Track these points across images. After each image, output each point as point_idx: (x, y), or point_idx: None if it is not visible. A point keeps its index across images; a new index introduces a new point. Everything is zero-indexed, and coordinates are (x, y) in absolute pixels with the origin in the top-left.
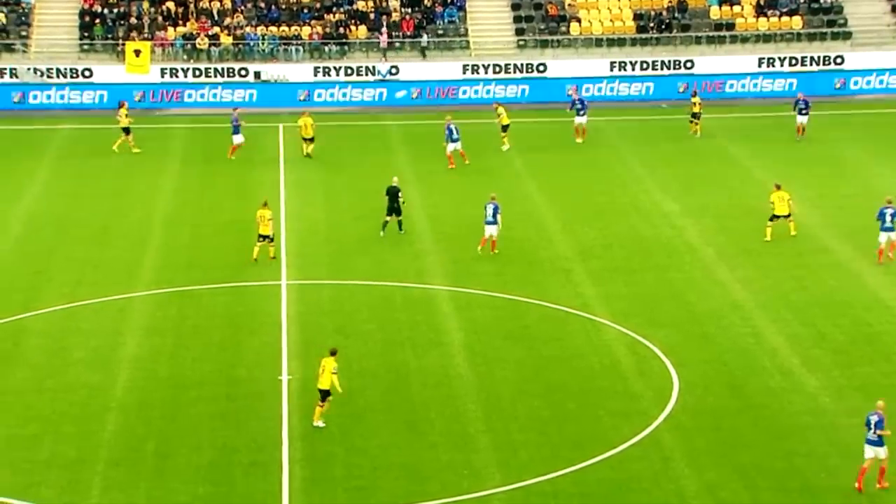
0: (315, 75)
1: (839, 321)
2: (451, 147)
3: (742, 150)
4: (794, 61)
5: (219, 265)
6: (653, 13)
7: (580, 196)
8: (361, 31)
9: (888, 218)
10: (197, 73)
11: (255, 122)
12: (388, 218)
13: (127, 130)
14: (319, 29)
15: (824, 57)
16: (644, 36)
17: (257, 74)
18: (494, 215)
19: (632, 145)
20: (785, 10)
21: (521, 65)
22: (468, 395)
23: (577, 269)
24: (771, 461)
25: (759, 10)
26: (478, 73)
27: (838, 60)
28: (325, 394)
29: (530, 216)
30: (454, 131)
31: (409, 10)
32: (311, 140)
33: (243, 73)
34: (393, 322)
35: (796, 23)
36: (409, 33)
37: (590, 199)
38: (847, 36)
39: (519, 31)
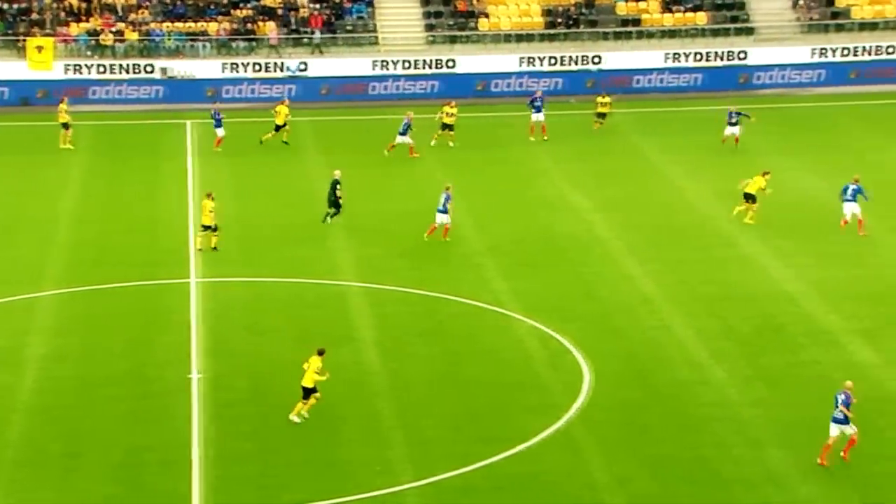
0: (223, 71)
1: (745, 313)
2: (399, 140)
3: (650, 145)
4: (699, 56)
5: (127, 263)
6: (561, 9)
7: (491, 192)
8: (270, 26)
9: (849, 192)
10: (102, 69)
11: (162, 119)
12: (329, 210)
13: (66, 126)
14: (227, 25)
15: (728, 52)
16: (552, 31)
17: (163, 71)
18: (445, 204)
19: (540, 140)
20: (690, 5)
21: (431, 60)
22: (381, 391)
23: (489, 265)
24: (679, 452)
25: (665, 6)
26: (387, 68)
27: (742, 56)
28: (307, 391)
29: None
30: (409, 127)
31: (318, 7)
32: (281, 127)
33: (149, 69)
34: (305, 319)
35: (701, 18)
36: (317, 29)
37: (501, 195)
38: (750, 31)
39: (428, 27)
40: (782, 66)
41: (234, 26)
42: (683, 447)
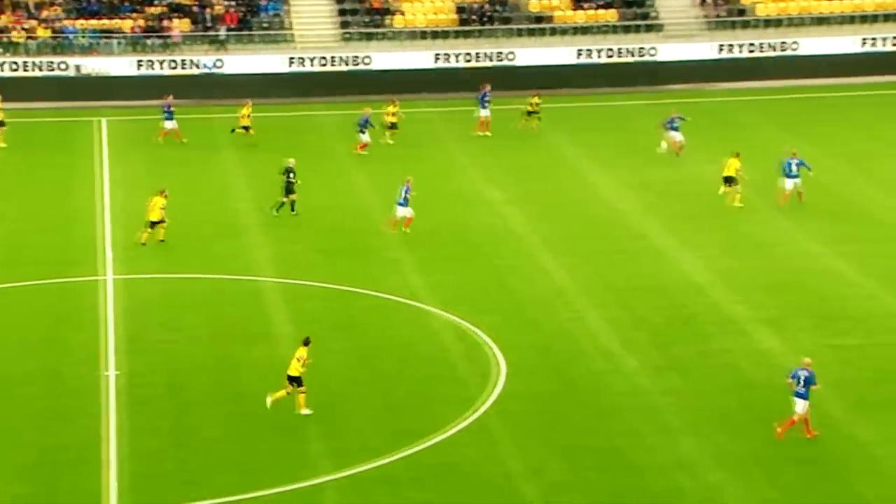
0: (137, 69)
1: (656, 304)
2: (363, 138)
3: (563, 140)
4: (609, 52)
5: (41, 261)
6: (474, 6)
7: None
8: (184, 23)
9: (793, 167)
10: (14, 66)
11: (75, 117)
12: (283, 199)
13: (1, 123)
14: (141, 22)
15: (638, 48)
16: (466, 28)
17: (77, 68)
18: (405, 196)
19: (456, 135)
20: (600, 3)
21: (346, 57)
22: None
23: (406, 259)
24: (593, 441)
25: (576, 3)
26: (302, 65)
27: (651, 52)
28: (293, 380)
29: (359, 207)
30: (367, 123)
31: (232, 4)
32: (247, 129)
33: (63, 66)
34: (221, 315)
35: (611, 15)
36: (223, 26)
37: (416, 190)
38: (658, 28)
39: (343, 24)
40: (689, 62)
41: (148, 23)
42: (597, 436)
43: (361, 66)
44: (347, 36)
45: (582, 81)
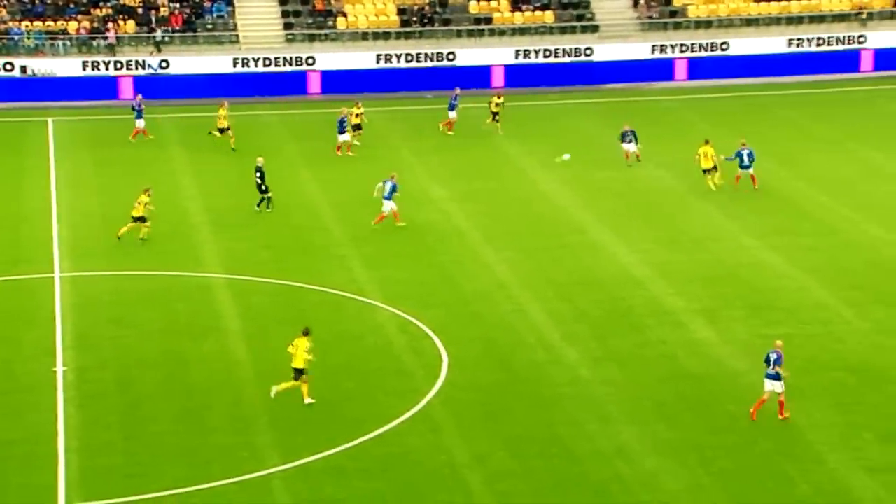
0: (83, 69)
1: (595, 297)
2: (340, 138)
3: (505, 138)
4: (547, 53)
5: None
6: (415, 8)
7: (353, 184)
8: (130, 25)
9: (745, 158)
10: None
11: (23, 117)
12: (262, 196)
13: None
14: (87, 23)
15: (575, 49)
16: (408, 30)
17: (23, 69)
18: (390, 192)
19: (400, 134)
20: (538, 4)
21: (291, 58)
22: (246, 379)
23: (352, 255)
24: (535, 430)
25: (515, 5)
26: (248, 66)
27: (587, 52)
28: (299, 372)
29: (306, 204)
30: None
31: (178, 5)
32: (224, 130)
33: (8, 67)
34: (170, 311)
35: (548, 17)
36: (160, 28)
37: (362, 187)
38: (595, 29)
39: (287, 26)
40: (624, 62)
41: (94, 25)
42: (539, 425)
43: (305, 67)
44: (291, 37)
45: (521, 81)
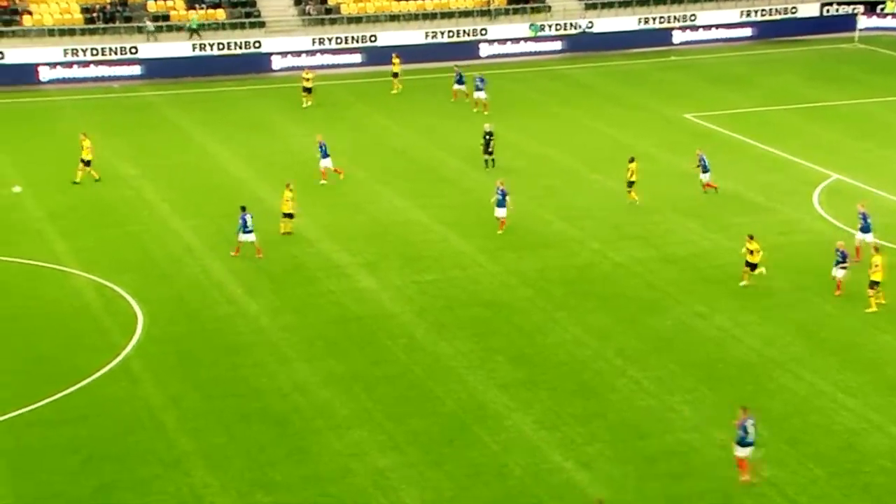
0: None
1: (272, 255)
2: (323, 163)
3: (186, 120)
4: (221, 46)
5: None
6: (98, 6)
7: (45, 164)
8: None
9: (705, 162)
10: None
11: None
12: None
13: None
14: None
15: (245, 42)
16: (92, 26)
17: None
18: (325, 150)
19: (91, 118)
20: (210, 3)
21: None
22: None
23: (48, 229)
24: (224, 373)
25: (190, 3)
26: None
27: (256, 45)
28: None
29: (3, 185)
30: (324, 149)
31: None
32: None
33: None
34: None
35: (221, 14)
36: None
37: (55, 167)
38: (262, 24)
39: None
40: (290, 52)
41: None
42: (226, 369)
43: None
44: None
45: (199, 70)
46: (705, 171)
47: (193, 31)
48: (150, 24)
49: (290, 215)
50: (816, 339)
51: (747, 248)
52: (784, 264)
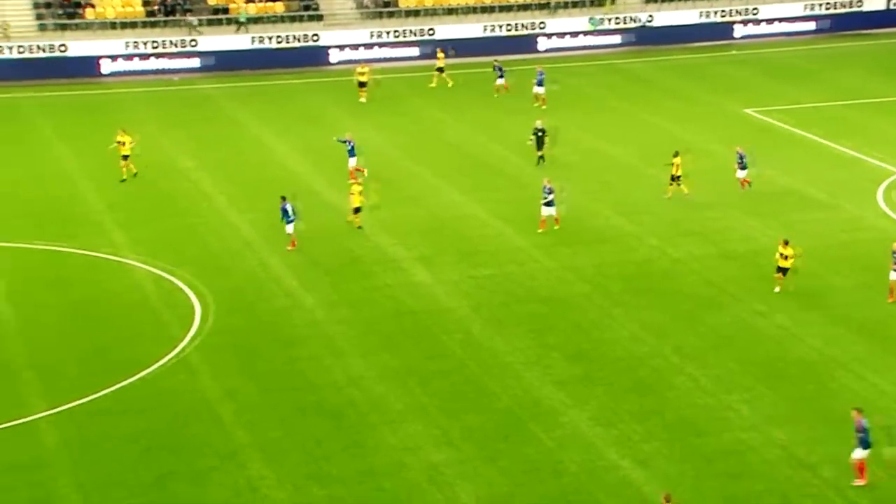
0: None
1: (328, 250)
2: (352, 162)
3: (244, 113)
4: (280, 39)
5: None
6: (158, 0)
7: (107, 157)
8: None
9: (743, 159)
10: None
11: None
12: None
13: None
14: None
15: (303, 35)
16: (153, 19)
17: None
18: (353, 149)
19: (151, 111)
20: None
21: (44, 45)
22: (13, 335)
23: (108, 221)
24: (280, 367)
25: None
26: (3, 53)
27: (315, 38)
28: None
29: (65, 178)
30: (352, 148)
31: None
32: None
33: None
34: None
35: (279, 7)
36: None
37: (115, 159)
38: (320, 18)
39: (39, 16)
40: (348, 46)
41: None
42: (283, 362)
43: (58, 53)
44: (43, 26)
45: (257, 63)
46: (743, 167)
47: (241, 25)
48: (193, 19)
49: (357, 209)
50: (879, 338)
51: (781, 253)
52: (847, 262)
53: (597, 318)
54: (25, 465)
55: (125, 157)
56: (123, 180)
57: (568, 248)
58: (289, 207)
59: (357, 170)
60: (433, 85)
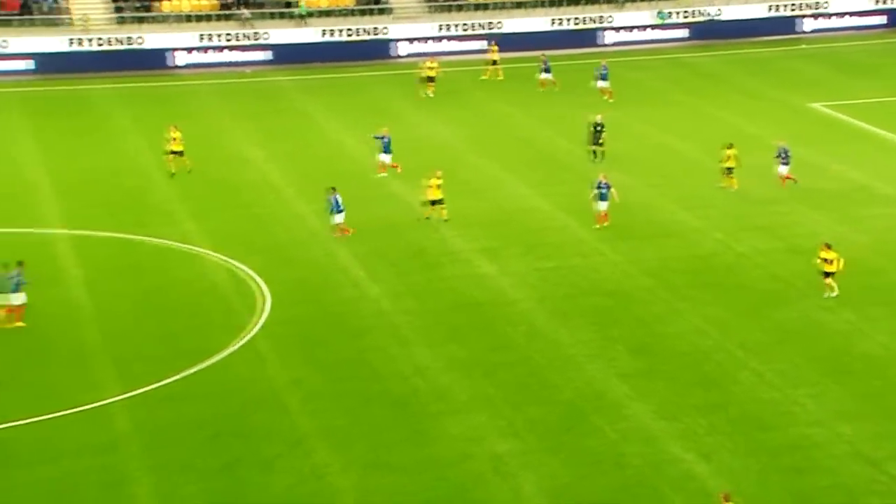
0: None
1: (393, 241)
2: (384, 158)
3: (313, 105)
4: (349, 32)
5: None
6: None
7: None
8: None
9: (783, 154)
10: None
11: None
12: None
13: None
14: None
15: (373, 28)
16: (227, 12)
17: None
18: (388, 146)
19: (222, 102)
20: None
21: (122, 37)
22: (88, 322)
23: (180, 210)
24: (346, 356)
25: None
26: (82, 45)
27: (384, 31)
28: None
29: (139, 168)
30: (387, 144)
31: None
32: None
33: None
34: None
35: (349, 1)
36: (15, 11)
37: (187, 149)
38: (389, 11)
39: (117, 9)
40: (416, 39)
41: None
42: (348, 351)
43: (135, 45)
44: (121, 19)
45: (326, 56)
46: (785, 163)
47: (301, 18)
48: (246, 12)
49: (438, 201)
50: None
51: (822, 258)
52: None
53: (660, 311)
54: (99, 448)
55: (175, 153)
56: (173, 174)
57: (632, 241)
58: (339, 199)
59: (391, 166)
60: (499, 78)
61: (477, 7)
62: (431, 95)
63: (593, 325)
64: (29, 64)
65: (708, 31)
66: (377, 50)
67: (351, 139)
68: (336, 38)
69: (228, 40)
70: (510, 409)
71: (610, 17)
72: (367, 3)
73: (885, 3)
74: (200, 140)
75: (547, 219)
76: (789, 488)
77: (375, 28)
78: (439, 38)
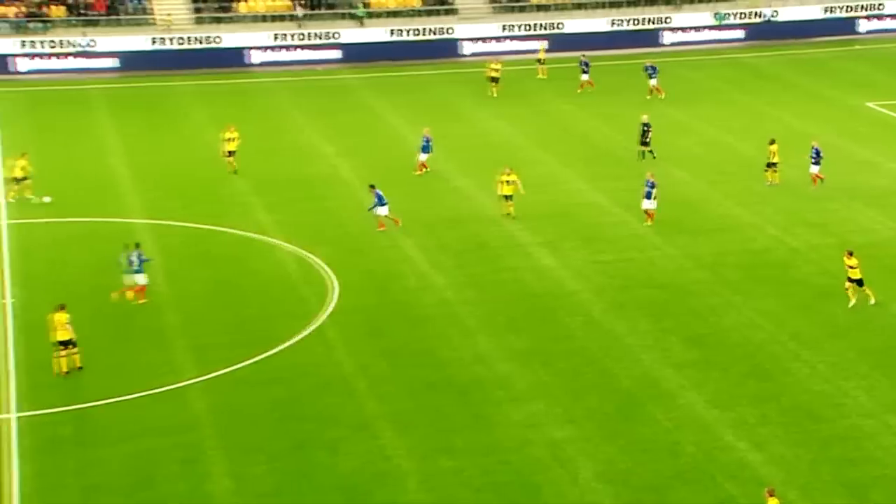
0: (22, 47)
1: (457, 233)
2: (422, 157)
3: (383, 104)
4: (416, 32)
5: None
6: None
7: (252, 140)
8: (60, 10)
9: (813, 154)
10: None
11: None
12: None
13: None
14: (24, 8)
15: (438, 28)
16: (301, 13)
17: None
18: (429, 144)
19: (295, 99)
20: None
21: (201, 37)
22: (167, 307)
23: (254, 202)
24: (409, 343)
25: None
26: (163, 44)
27: (450, 31)
28: (65, 343)
29: (212, 161)
30: (429, 143)
31: None
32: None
33: None
34: (98, 252)
35: (416, 2)
36: (103, 12)
37: (261, 144)
38: (455, 12)
39: (196, 10)
40: (480, 38)
41: (30, 10)
42: (412, 339)
43: (213, 45)
44: (200, 19)
45: (394, 55)
46: (817, 163)
47: (360, 19)
48: (300, 12)
49: (509, 197)
50: None
51: (848, 265)
52: None
53: (715, 304)
54: (177, 427)
55: (231, 154)
56: (236, 172)
57: (687, 236)
58: (380, 193)
59: (422, 165)
60: (543, 76)
61: (539, 8)
62: (495, 95)
63: (649, 316)
64: (114, 62)
65: (764, 32)
66: (443, 49)
67: (416, 136)
68: (403, 37)
69: (301, 40)
70: (568, 397)
71: (668, 17)
72: (434, 4)
73: None
74: (273, 135)
75: (604, 213)
76: (840, 478)
77: (441, 28)
78: (502, 38)
